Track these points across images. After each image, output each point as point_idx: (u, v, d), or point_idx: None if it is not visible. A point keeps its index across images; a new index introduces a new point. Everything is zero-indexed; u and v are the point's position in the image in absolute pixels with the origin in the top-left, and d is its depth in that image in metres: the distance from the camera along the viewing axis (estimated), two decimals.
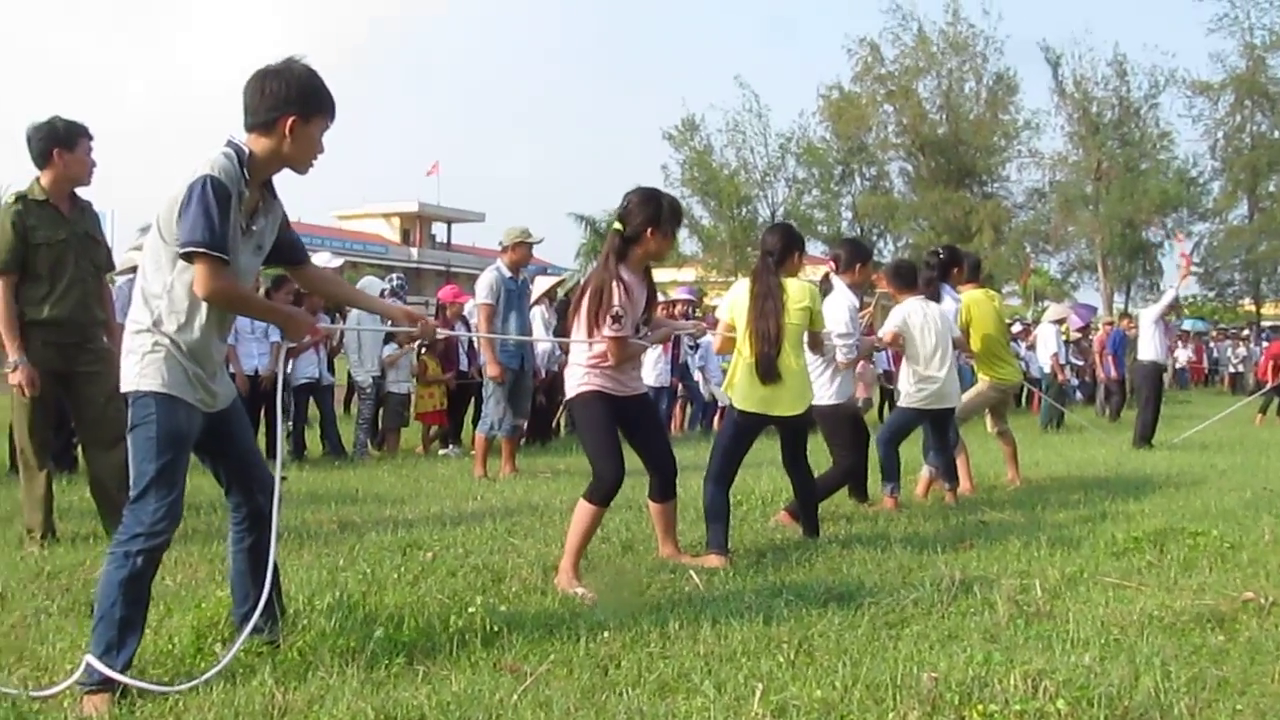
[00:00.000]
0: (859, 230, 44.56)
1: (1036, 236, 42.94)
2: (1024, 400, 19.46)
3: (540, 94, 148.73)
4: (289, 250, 4.02)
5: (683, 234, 47.67)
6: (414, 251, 65.93)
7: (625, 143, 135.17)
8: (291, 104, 3.60)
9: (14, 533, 6.08)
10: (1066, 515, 7.21)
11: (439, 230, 71.82)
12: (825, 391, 7.09)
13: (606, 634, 4.13)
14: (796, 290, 6.14)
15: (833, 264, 7.68)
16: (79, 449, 7.91)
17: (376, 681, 3.61)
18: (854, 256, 7.57)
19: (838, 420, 7.23)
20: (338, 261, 12.31)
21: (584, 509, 5.13)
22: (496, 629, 4.12)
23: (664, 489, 5.55)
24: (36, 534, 5.90)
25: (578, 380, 5.29)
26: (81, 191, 6.07)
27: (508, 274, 9.41)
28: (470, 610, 4.26)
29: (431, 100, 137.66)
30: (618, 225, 5.29)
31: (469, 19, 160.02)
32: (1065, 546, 5.98)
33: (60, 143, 5.85)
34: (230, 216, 3.48)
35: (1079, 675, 3.63)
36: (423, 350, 11.92)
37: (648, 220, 5.23)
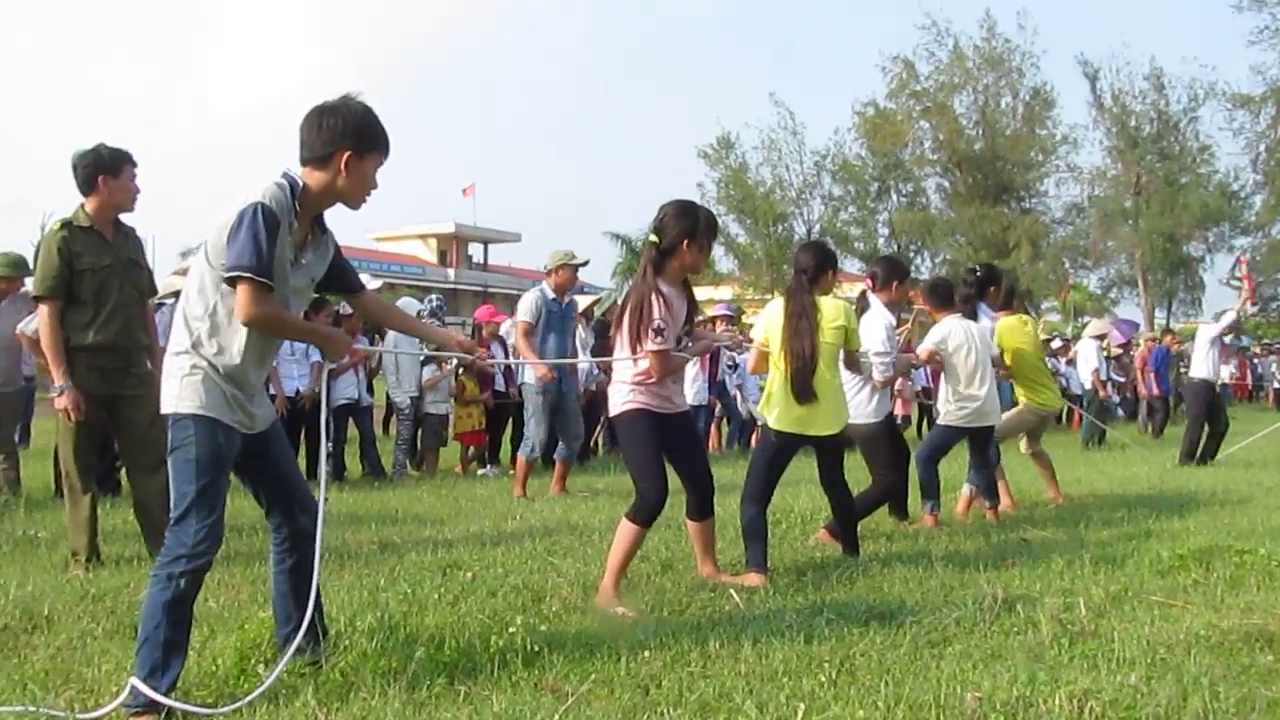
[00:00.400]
0: (895, 247, 44.49)
1: (1075, 252, 42.70)
2: (1065, 418, 19.30)
3: (575, 113, 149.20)
4: (342, 279, 4.08)
5: (718, 252, 47.77)
6: (451, 272, 66.20)
7: (661, 162, 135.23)
8: (347, 139, 3.66)
9: (59, 556, 6.14)
10: (1110, 533, 7.14)
11: (475, 251, 72.11)
12: (863, 410, 7.01)
13: (647, 653, 4.12)
14: (831, 309, 6.10)
15: (869, 281, 7.61)
16: (122, 472, 8.01)
17: (418, 702, 3.61)
18: (891, 274, 7.48)
19: (876, 439, 7.15)
20: (376, 283, 12.36)
21: (627, 529, 5.12)
22: (537, 649, 4.12)
23: (702, 507, 5.54)
24: (81, 557, 5.95)
25: (622, 398, 5.29)
26: (124, 217, 6.14)
27: (551, 296, 9.45)
28: (511, 630, 4.26)
29: (467, 122, 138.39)
30: (653, 238, 5.27)
31: (502, 41, 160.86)
32: (1109, 565, 5.91)
33: (105, 170, 5.92)
34: (278, 245, 3.52)
35: (1125, 695, 3.58)
36: (460, 370, 11.97)
37: (683, 233, 5.20)
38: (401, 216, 67.73)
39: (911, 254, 45.22)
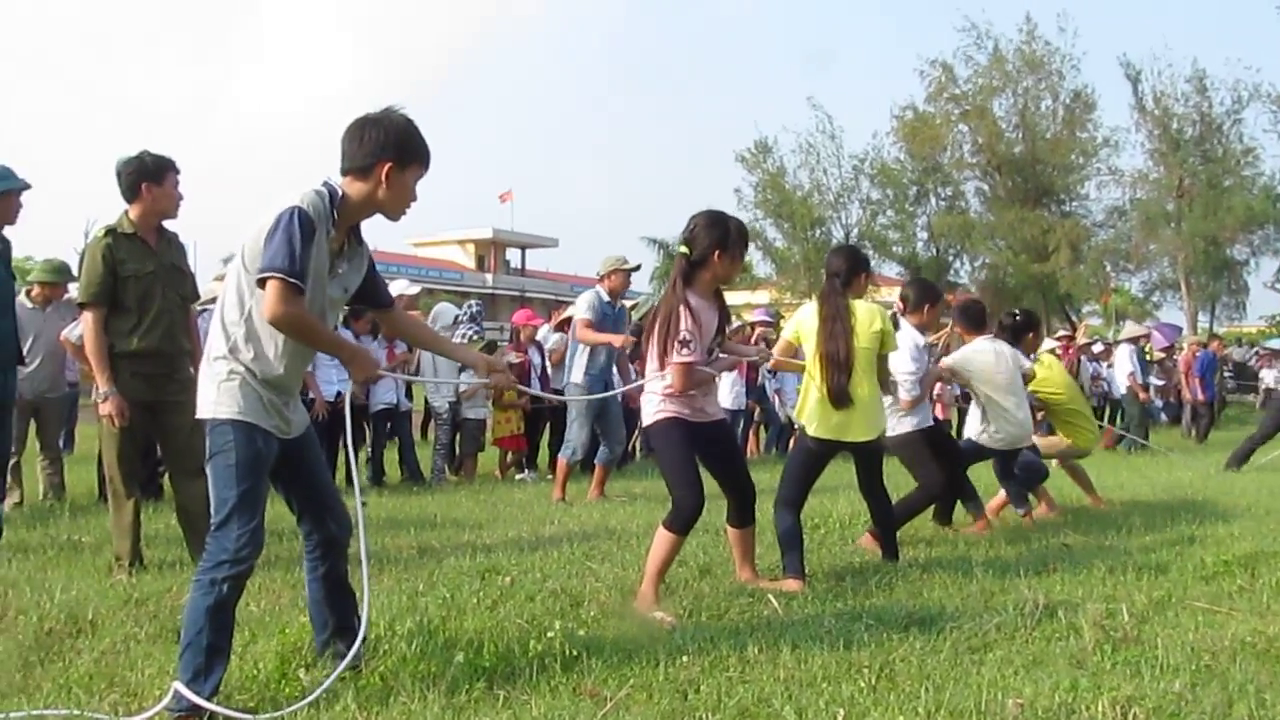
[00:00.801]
0: (935, 250, 44.23)
1: (1116, 255, 42.27)
2: (1106, 418, 19.15)
3: (612, 119, 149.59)
4: (374, 293, 4.11)
5: (756, 256, 47.71)
6: (489, 277, 66.50)
7: (698, 166, 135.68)
8: (388, 150, 3.69)
9: (103, 560, 6.20)
10: (1152, 538, 7.07)
11: (513, 256, 72.42)
12: (896, 421, 7.00)
13: (686, 658, 4.12)
14: (866, 313, 6.06)
15: (900, 305, 7.51)
16: (165, 477, 8.08)
17: (457, 706, 3.62)
18: (923, 298, 7.38)
19: (913, 445, 7.10)
20: (415, 289, 12.44)
21: (663, 536, 5.11)
22: (575, 653, 4.12)
23: (742, 514, 5.53)
24: (125, 561, 6.00)
25: (654, 407, 5.28)
26: (168, 223, 6.19)
27: (605, 299, 9.52)
28: (549, 635, 4.27)
29: (504, 128, 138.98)
30: (684, 249, 5.25)
31: (539, 47, 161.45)
32: (1152, 570, 5.86)
33: (148, 177, 5.98)
34: (312, 250, 3.54)
35: (1169, 702, 3.55)
36: (490, 396, 12.02)
37: (714, 243, 5.18)
38: (440, 222, 68.20)
39: (950, 257, 44.97)
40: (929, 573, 5.84)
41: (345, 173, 3.74)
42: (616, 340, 9.31)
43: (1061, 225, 40.12)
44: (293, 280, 3.47)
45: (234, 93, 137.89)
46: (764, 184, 43.87)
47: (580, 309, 9.50)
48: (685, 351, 5.05)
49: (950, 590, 5.44)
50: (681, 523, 5.10)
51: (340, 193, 3.71)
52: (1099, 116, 41.17)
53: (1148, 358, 19.34)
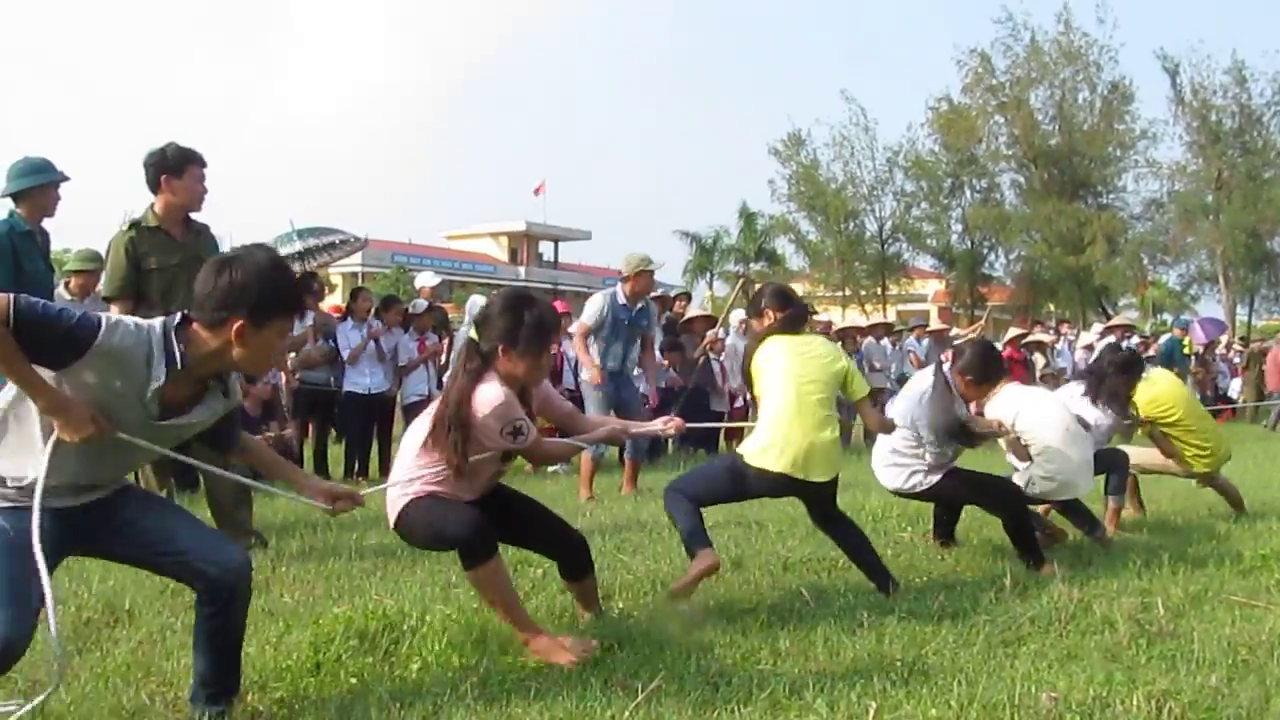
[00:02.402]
0: (969, 243, 44.04)
1: (1154, 248, 41.98)
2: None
3: (645, 111, 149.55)
4: (224, 437, 3.66)
5: (790, 249, 47.70)
6: (522, 270, 66.60)
7: (731, 159, 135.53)
8: (241, 306, 3.16)
9: None
10: (1188, 532, 7.01)
11: (546, 249, 72.52)
12: (912, 481, 5.98)
13: (717, 650, 4.12)
14: (825, 349, 5.40)
15: (960, 380, 6.09)
16: None
17: (489, 698, 3.63)
18: (985, 374, 6.10)
19: (957, 481, 6.01)
20: (436, 280, 12.57)
21: (474, 575, 4.17)
22: (607, 645, 4.13)
23: (572, 566, 4.64)
24: None
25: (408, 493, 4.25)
26: (198, 216, 6.22)
27: (622, 301, 9.23)
28: (581, 627, 4.27)
29: (538, 121, 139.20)
30: (473, 334, 4.26)
31: (572, 39, 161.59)
32: (1188, 564, 5.81)
33: (168, 170, 6.01)
34: (100, 365, 3.08)
35: (1205, 697, 3.52)
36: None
37: (500, 336, 4.14)
38: (473, 215, 68.45)
39: (985, 250, 44.76)
40: (961, 566, 5.81)
41: (194, 320, 3.21)
42: (594, 376, 8.99)
43: (1098, 218, 39.89)
44: (18, 309, 2.91)
45: (272, 86, 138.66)
46: (797, 176, 43.88)
47: (585, 314, 9.27)
48: (521, 438, 4.15)
49: (983, 584, 5.41)
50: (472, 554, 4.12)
51: (187, 338, 3.19)
52: (1137, 108, 40.96)
53: (1186, 351, 19.24)
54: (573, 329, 11.84)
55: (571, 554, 4.56)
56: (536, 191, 68.17)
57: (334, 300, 18.70)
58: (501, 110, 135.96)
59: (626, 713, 3.44)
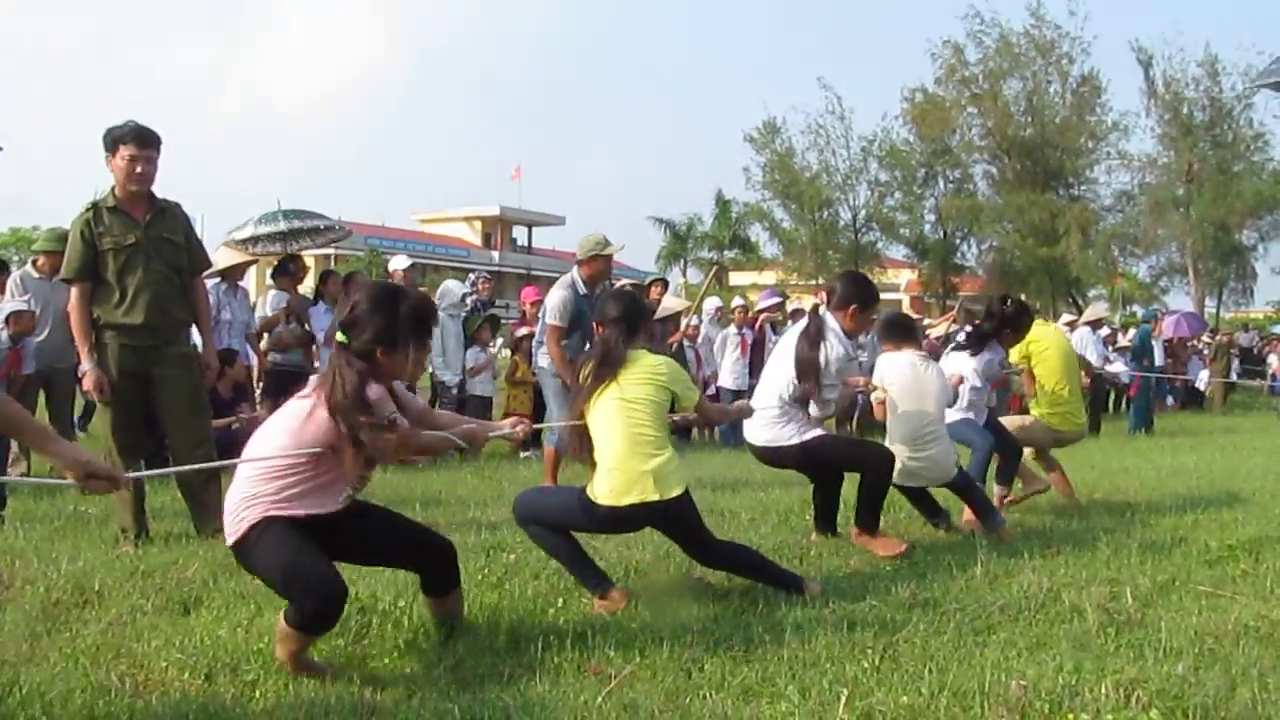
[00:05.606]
0: (942, 233, 44.22)
1: (1125, 239, 42.26)
2: (1112, 406, 19.18)
3: (621, 97, 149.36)
4: None
5: (764, 237, 47.74)
6: (495, 255, 66.42)
7: (706, 146, 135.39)
8: None
9: (109, 532, 6.21)
10: (1156, 522, 7.05)
11: (520, 234, 72.37)
12: (782, 434, 5.96)
13: (690, 637, 4.13)
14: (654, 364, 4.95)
15: (825, 297, 6.34)
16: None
17: (463, 683, 3.64)
18: (850, 295, 6.14)
19: (829, 442, 6.12)
20: (408, 264, 12.57)
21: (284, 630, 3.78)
22: (580, 631, 4.13)
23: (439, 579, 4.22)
24: (130, 534, 6.01)
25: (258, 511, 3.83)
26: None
27: (582, 291, 8.48)
28: (553, 612, 4.28)
29: (512, 104, 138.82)
30: (341, 337, 3.93)
31: (549, 24, 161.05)
32: (1156, 554, 5.86)
33: (106, 149, 5.96)
34: None
35: (1173, 685, 3.56)
36: (514, 350, 12.08)
37: (375, 336, 3.87)
38: (447, 198, 68.14)
39: (958, 240, 44.97)
40: (933, 555, 5.84)
41: None
42: (563, 374, 8.09)
43: (1070, 209, 40.12)
44: None
45: (248, 68, 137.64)
46: (772, 164, 43.89)
47: (551, 312, 8.42)
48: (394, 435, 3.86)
49: (954, 572, 5.44)
50: (301, 619, 3.70)
51: None
52: (1108, 100, 41.16)
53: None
54: (538, 329, 11.62)
55: (437, 567, 4.15)
56: (513, 176, 68.07)
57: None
58: (475, 93, 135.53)
59: (600, 698, 3.44)
